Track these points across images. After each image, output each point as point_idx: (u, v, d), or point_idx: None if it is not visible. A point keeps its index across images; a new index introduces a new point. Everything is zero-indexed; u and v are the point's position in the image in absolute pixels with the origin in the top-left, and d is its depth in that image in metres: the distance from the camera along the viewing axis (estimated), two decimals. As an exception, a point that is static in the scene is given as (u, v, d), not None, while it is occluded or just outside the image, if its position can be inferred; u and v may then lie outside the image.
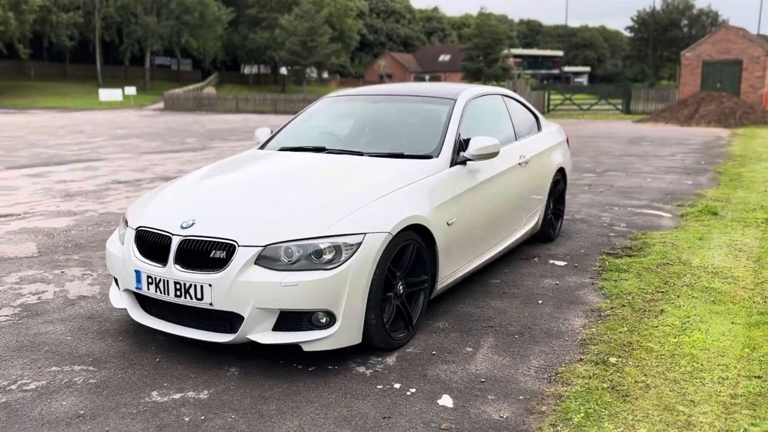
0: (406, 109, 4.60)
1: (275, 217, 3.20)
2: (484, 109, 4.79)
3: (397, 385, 3.02)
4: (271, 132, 4.86)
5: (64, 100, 44.34)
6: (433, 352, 3.40)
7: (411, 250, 3.44)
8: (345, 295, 3.02)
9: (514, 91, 32.84)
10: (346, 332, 3.08)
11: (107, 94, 41.76)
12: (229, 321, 3.09)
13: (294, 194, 3.43)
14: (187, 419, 2.72)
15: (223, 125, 24.09)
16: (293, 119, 4.89)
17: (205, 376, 3.11)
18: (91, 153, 13.80)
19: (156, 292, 3.20)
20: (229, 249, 3.05)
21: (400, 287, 3.43)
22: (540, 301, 4.19)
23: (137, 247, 3.34)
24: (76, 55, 59.45)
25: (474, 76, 66.73)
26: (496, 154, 4.11)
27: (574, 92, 33.48)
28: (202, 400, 2.88)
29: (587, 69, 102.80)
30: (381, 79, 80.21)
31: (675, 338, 3.53)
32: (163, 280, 3.15)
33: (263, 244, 3.02)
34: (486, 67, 64.88)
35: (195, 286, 3.06)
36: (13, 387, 3.01)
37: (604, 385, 3.00)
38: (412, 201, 3.50)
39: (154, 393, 2.94)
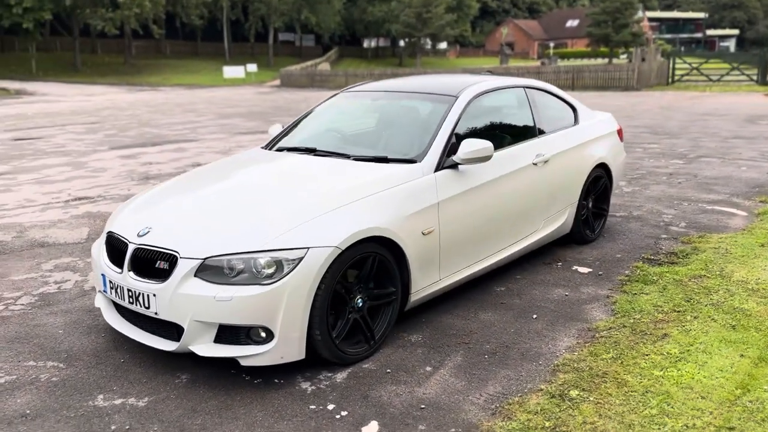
0: (404, 108, 4.40)
1: (223, 228, 3.19)
2: (496, 105, 4.49)
3: (330, 407, 2.94)
4: (282, 126, 4.85)
5: (192, 77, 47.12)
6: (388, 370, 3.27)
7: (371, 262, 3.31)
8: (281, 311, 2.96)
9: (642, 59, 30.70)
10: (284, 348, 3.03)
11: (231, 71, 43.86)
12: (177, 330, 3.13)
13: (252, 204, 3.40)
14: (113, 427, 2.80)
15: (326, 102, 24.49)
16: (307, 114, 4.85)
17: (155, 382, 3.19)
18: (190, 133, 14.57)
19: (115, 296, 3.32)
20: (172, 260, 3.08)
21: (359, 301, 3.31)
22: (535, 316, 3.91)
23: (106, 251, 3.47)
24: (207, 33, 62.83)
25: (601, 43, 63.10)
26: (489, 158, 3.84)
27: (710, 59, 30.68)
28: (138, 408, 2.96)
29: (735, 32, 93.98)
30: (501, 48, 77.86)
31: (661, 371, 3.16)
32: (120, 286, 3.26)
33: (202, 257, 3.02)
34: (614, 33, 61.01)
35: (143, 294, 3.13)
36: (-14, 380, 3.25)
37: (546, 424, 2.74)
38: (376, 211, 3.35)
39: (101, 397, 3.06)
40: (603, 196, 5.45)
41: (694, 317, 3.78)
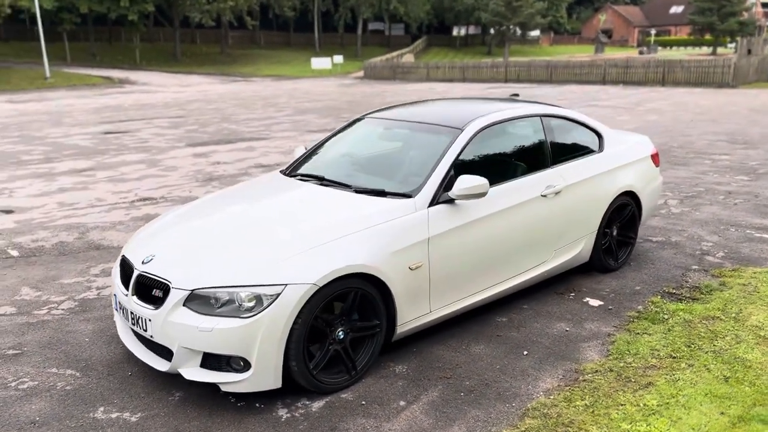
0: (412, 139, 4.50)
1: (213, 260, 3.44)
2: (506, 136, 4.50)
3: (297, 436, 3.14)
4: (305, 148, 5.06)
5: (282, 68, 48.51)
6: (363, 402, 3.43)
7: (352, 297, 3.47)
8: (257, 343, 3.18)
9: (748, 51, 28.83)
10: (260, 378, 3.25)
11: (318, 62, 44.81)
12: (169, 352, 3.42)
13: (244, 238, 3.62)
14: (103, 441, 3.13)
15: (402, 97, 24.66)
16: (329, 138, 5.03)
17: (151, 398, 3.50)
18: (264, 130, 15.14)
19: (123, 316, 3.66)
20: (166, 289, 3.37)
21: (340, 333, 3.48)
22: (525, 352, 3.94)
23: (120, 272, 3.82)
24: (299, 24, 64.42)
25: (705, 31, 59.58)
26: (484, 195, 3.88)
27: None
28: (129, 423, 3.27)
29: None
30: (596, 36, 74.99)
31: (630, 424, 3.14)
32: (125, 307, 3.59)
33: (190, 288, 3.29)
34: (718, 22, 57.43)
35: (142, 318, 3.44)
36: (12, 384, 3.67)
37: (492, 474, 2.82)
38: (360, 248, 3.50)
39: (101, 409, 3.40)
40: (630, 224, 5.32)
41: (689, 365, 3.70)
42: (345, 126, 5.06)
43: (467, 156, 4.18)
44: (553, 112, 4.86)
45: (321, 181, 4.32)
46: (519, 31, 57.06)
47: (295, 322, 3.25)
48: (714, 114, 16.64)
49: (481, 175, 4.03)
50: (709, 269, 5.26)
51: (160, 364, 3.44)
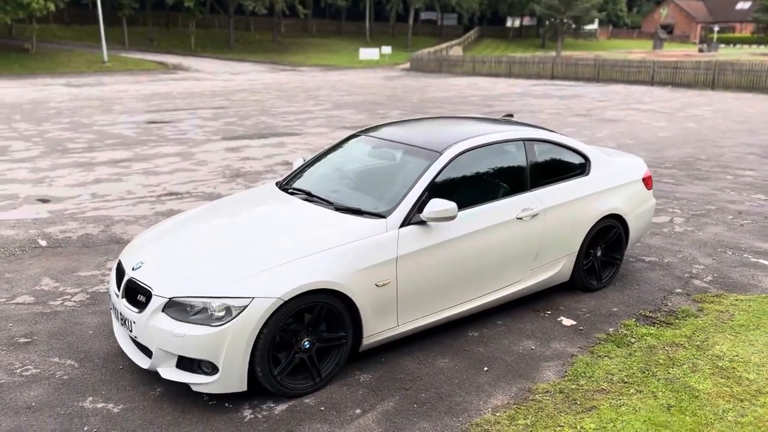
0: (396, 160, 4.74)
1: (192, 271, 3.78)
2: (485, 160, 4.69)
3: (255, 436, 3.47)
4: (303, 160, 5.37)
5: (331, 58, 49.02)
6: (323, 408, 3.73)
7: (318, 310, 3.77)
8: (224, 350, 3.51)
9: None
10: (227, 381, 3.58)
11: (366, 53, 45.13)
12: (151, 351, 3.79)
13: (224, 250, 3.94)
14: (85, 429, 3.52)
15: (441, 93, 24.75)
16: (324, 153, 5.32)
17: (135, 391, 3.88)
18: (298, 125, 15.55)
19: (114, 315, 4.05)
20: (148, 295, 3.73)
21: (306, 343, 3.79)
22: (486, 368, 4.17)
23: (116, 275, 4.21)
24: (351, 13, 64.80)
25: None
26: (453, 218, 4.11)
27: None
28: (111, 414, 3.66)
29: None
30: (656, 32, 72.91)
31: (561, 446, 3.35)
32: (116, 308, 3.98)
33: (168, 297, 3.64)
34: (785, 21, 55.10)
35: (128, 319, 3.81)
36: (18, 371, 4.11)
37: (420, 484, 3.08)
38: (328, 265, 3.78)
39: (90, 399, 3.80)
40: (616, 246, 5.45)
41: (638, 391, 3.86)
42: (340, 142, 5.34)
43: (444, 178, 4.40)
44: (539, 136, 5.02)
45: (308, 195, 4.62)
46: (573, 25, 55.99)
47: (260, 332, 3.57)
48: (755, 124, 16.23)
49: (457, 198, 4.28)
50: (692, 293, 5.35)
51: (142, 362, 3.81)
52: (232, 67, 41.40)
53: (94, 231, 7.03)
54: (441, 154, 4.45)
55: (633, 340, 4.52)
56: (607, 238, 5.37)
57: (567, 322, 4.83)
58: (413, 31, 62.80)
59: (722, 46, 74.61)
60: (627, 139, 13.61)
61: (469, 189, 4.56)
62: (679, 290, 5.42)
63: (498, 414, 3.66)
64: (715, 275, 5.76)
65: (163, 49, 51.02)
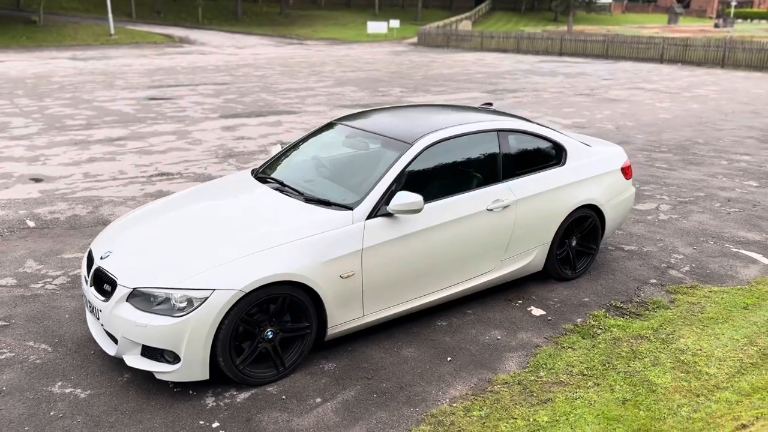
0: (367, 150, 4.75)
1: (156, 262, 3.84)
2: (457, 151, 4.69)
3: (215, 425, 3.55)
4: (281, 146, 5.40)
5: (339, 31, 48.61)
6: (284, 396, 3.81)
7: (281, 301, 3.83)
8: (185, 341, 3.59)
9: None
10: (189, 370, 3.66)
11: (374, 26, 44.71)
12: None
13: (190, 242, 3.99)
14: (51, 413, 3.62)
15: (446, 70, 24.56)
16: (300, 141, 5.34)
17: (103, 377, 3.98)
18: (297, 103, 15.52)
19: (85, 302, 4.13)
20: (114, 284, 3.81)
21: (269, 333, 3.86)
22: (450, 358, 4.23)
23: (87, 263, 4.28)
24: (359, -15, 63.97)
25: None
26: (419, 211, 4.14)
27: None
28: (78, 399, 3.76)
29: None
30: (671, 7, 71.64)
31: (512, 439, 3.42)
32: (85, 296, 4.06)
33: (132, 287, 3.71)
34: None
35: (96, 307, 3.90)
36: (-8, 355, 4.22)
37: (368, 475, 3.16)
38: (291, 257, 3.83)
39: (59, 384, 3.91)
40: (592, 236, 5.47)
41: (596, 384, 3.92)
42: (317, 129, 5.36)
43: (415, 169, 4.42)
44: (514, 127, 5.01)
45: (281, 185, 4.65)
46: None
47: (221, 323, 3.63)
48: (760, 105, 16.02)
49: (428, 189, 4.31)
50: (666, 284, 5.38)
51: (110, 349, 3.90)
52: (238, 40, 41.20)
53: (83, 212, 7.12)
54: (411, 146, 4.46)
55: (599, 331, 4.56)
56: (583, 229, 5.39)
57: (537, 311, 4.88)
58: (423, 3, 62.05)
59: (739, 21, 73.25)
60: (627, 120, 13.50)
61: (439, 180, 4.58)
62: (654, 281, 5.44)
63: (455, 405, 3.73)
64: (693, 265, 5.77)
65: (170, 21, 50.79)
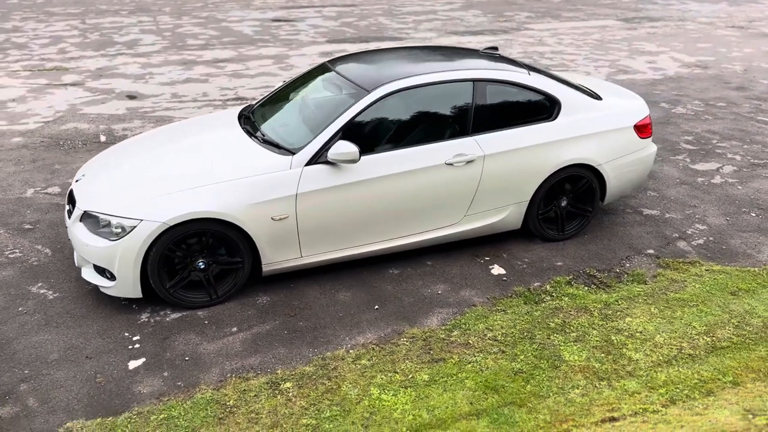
0: (335, 94, 4.75)
1: (109, 189, 4.28)
2: (421, 101, 4.56)
3: (136, 338, 4.01)
4: (284, 83, 5.57)
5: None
6: (207, 321, 4.18)
7: (209, 236, 4.14)
8: (117, 262, 4.04)
9: None
10: (123, 288, 4.13)
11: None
12: (81, 252, 4.44)
13: (143, 173, 4.37)
14: (19, 309, 4.29)
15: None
16: (292, 81, 5.43)
17: (74, 284, 4.57)
18: (409, 29, 15.31)
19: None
20: (74, 204, 4.33)
21: (201, 264, 4.21)
22: (377, 306, 4.31)
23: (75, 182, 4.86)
24: None
25: None
26: (356, 161, 4.18)
27: None
28: (46, 300, 4.39)
29: None
30: None
31: (378, 390, 3.51)
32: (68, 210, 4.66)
33: (83, 209, 4.20)
34: None
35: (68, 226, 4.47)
36: (6, 252, 4.97)
37: (237, 406, 3.45)
38: (221, 196, 4.08)
39: (39, 284, 4.57)
40: (588, 197, 5.12)
41: (501, 351, 3.84)
42: (309, 71, 5.42)
43: (367, 118, 4.42)
44: (497, 77, 4.74)
45: (252, 125, 4.87)
46: None
47: (149, 250, 4.03)
48: None
49: (379, 139, 4.33)
50: (662, 257, 4.94)
51: (76, 260, 4.49)
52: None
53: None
54: (369, 93, 4.43)
55: (548, 299, 4.38)
56: (577, 188, 5.05)
57: (497, 270, 4.76)
58: None
59: None
60: (764, 62, 11.82)
61: (395, 131, 4.52)
62: (651, 251, 5.02)
63: (351, 351, 3.87)
64: (711, 239, 5.21)
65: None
